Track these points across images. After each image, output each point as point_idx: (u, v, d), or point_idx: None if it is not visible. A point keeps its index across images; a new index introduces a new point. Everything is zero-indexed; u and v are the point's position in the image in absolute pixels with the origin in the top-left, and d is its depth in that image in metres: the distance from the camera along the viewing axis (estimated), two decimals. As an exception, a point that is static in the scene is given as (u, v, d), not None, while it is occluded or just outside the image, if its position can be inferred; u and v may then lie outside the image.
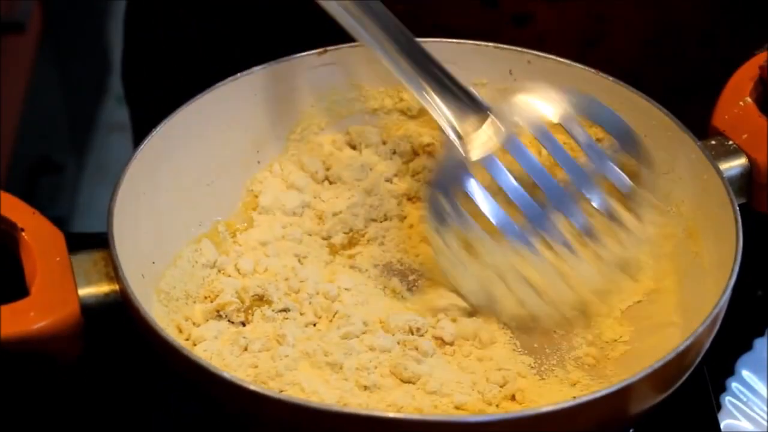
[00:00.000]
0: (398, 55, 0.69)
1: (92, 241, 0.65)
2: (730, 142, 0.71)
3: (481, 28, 0.78)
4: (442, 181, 0.68)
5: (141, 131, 0.93)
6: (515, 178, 0.68)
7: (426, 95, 0.69)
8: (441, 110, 0.69)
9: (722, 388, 0.73)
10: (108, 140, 1.73)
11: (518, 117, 0.69)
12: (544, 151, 0.70)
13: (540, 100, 0.70)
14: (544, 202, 0.68)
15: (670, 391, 0.62)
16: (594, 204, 0.68)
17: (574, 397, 0.61)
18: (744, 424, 0.72)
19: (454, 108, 0.69)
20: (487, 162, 0.68)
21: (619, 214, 0.68)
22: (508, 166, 0.68)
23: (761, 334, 0.75)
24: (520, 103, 0.70)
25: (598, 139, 0.70)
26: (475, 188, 0.68)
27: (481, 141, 0.69)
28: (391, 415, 0.61)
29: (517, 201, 0.68)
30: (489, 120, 0.69)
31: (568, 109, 0.69)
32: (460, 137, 0.69)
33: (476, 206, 0.68)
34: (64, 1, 1.61)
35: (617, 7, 0.81)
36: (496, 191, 0.68)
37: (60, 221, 0.66)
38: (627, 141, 0.69)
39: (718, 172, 0.68)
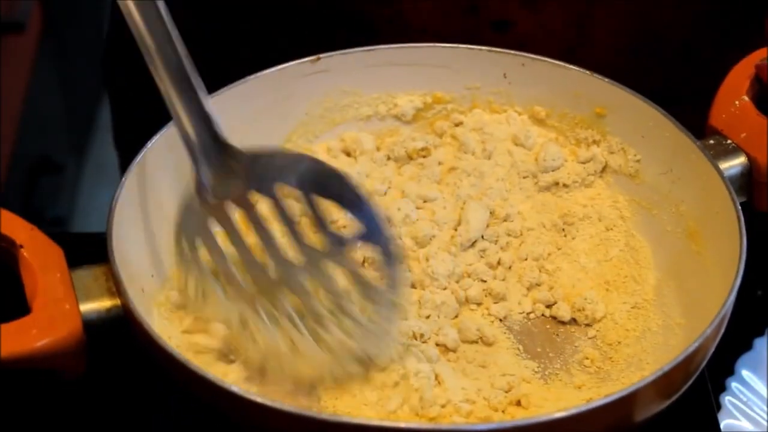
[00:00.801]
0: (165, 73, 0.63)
1: (92, 241, 0.65)
2: (729, 141, 0.70)
3: (463, 33, 0.78)
4: (185, 223, 0.64)
5: (128, 136, 0.93)
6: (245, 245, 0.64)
7: (179, 115, 0.64)
8: (189, 136, 0.63)
9: (722, 388, 0.73)
10: (108, 140, 1.72)
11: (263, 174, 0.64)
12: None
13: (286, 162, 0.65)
14: (271, 275, 0.64)
15: (676, 396, 0.62)
16: (325, 288, 0.64)
17: (588, 401, 0.62)
18: (744, 424, 0.72)
19: (203, 137, 0.63)
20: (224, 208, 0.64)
21: (348, 305, 0.63)
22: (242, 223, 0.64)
23: (761, 334, 0.75)
24: (265, 161, 0.65)
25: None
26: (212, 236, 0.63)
27: (224, 184, 0.64)
28: (402, 425, 0.60)
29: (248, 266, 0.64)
30: (234, 164, 0.64)
31: (307, 178, 0.64)
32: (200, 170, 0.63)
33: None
34: (64, 1, 1.61)
35: (598, 15, 0.80)
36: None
37: (60, 221, 0.66)
38: (373, 231, 0.63)
39: (719, 171, 0.68)
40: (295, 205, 0.65)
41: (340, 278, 0.64)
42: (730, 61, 0.72)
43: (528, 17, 0.79)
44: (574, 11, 0.79)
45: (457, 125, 0.77)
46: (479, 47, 0.75)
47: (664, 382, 0.60)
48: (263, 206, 0.64)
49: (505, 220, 0.73)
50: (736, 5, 0.81)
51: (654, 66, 0.78)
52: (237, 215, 0.64)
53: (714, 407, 0.71)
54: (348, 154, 0.76)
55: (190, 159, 0.64)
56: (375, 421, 0.61)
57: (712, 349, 0.63)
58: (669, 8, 0.80)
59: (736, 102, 0.71)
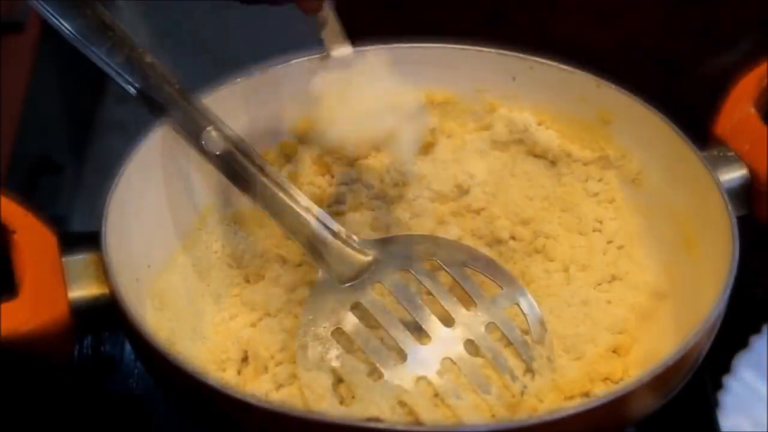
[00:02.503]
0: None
1: (90, 240, 0.65)
2: (731, 152, 0.70)
3: None
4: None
5: None
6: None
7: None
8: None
9: (721, 387, 0.73)
10: (108, 140, 1.73)
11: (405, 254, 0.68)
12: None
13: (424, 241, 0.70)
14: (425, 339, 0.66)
15: (669, 397, 0.61)
16: (477, 345, 0.66)
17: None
18: (743, 423, 0.71)
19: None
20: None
21: (504, 360, 0.66)
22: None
23: (759, 333, 0.75)
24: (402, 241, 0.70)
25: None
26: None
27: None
28: (397, 426, 0.60)
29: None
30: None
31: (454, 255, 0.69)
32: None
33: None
34: (65, 1, 1.61)
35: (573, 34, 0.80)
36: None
37: (60, 221, 0.66)
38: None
39: (716, 181, 0.68)
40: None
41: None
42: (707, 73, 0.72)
43: (492, 36, 0.78)
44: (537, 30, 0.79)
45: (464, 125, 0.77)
46: (488, 49, 0.75)
47: (651, 387, 0.59)
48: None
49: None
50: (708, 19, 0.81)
51: (635, 81, 0.78)
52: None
53: (712, 406, 0.70)
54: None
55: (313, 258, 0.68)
56: (361, 422, 0.60)
57: (704, 352, 0.63)
58: (641, 20, 0.80)
59: (742, 112, 0.71)
